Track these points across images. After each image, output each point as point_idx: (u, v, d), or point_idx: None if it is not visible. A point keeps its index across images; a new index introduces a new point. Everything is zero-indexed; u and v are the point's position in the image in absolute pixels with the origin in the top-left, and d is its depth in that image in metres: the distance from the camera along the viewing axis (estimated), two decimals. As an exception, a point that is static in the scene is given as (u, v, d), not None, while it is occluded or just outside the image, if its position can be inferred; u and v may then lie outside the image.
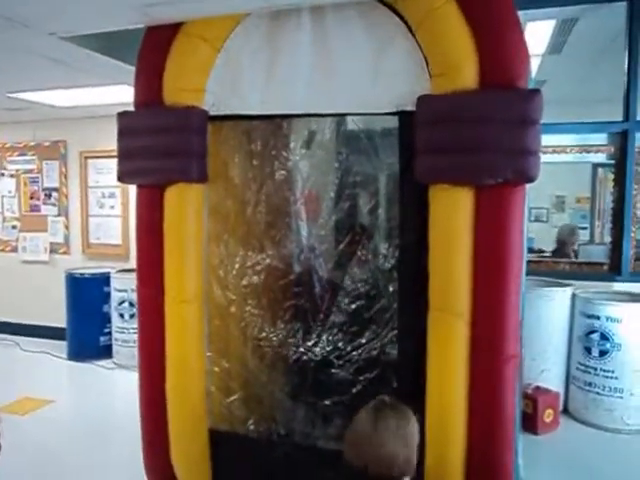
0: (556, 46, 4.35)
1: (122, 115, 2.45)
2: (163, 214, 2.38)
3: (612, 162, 5.24)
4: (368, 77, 2.17)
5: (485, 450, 2.06)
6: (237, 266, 2.66)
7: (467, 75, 1.98)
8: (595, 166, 6.20)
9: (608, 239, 4.16)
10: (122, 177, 2.50)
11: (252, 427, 2.64)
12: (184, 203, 2.37)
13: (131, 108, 2.46)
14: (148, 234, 2.43)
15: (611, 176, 6.31)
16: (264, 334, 2.68)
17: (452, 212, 2.04)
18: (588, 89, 5.24)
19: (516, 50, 1.98)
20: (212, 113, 2.37)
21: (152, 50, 2.39)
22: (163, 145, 2.33)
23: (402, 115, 2.15)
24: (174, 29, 2.33)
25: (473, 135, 1.97)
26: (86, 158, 5.55)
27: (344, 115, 2.43)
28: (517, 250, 2.03)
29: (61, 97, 4.43)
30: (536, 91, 1.96)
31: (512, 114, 1.93)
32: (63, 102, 4.64)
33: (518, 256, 2.04)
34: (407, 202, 2.22)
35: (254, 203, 2.68)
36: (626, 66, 3.78)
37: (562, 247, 5.11)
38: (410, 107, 2.08)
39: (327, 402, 2.55)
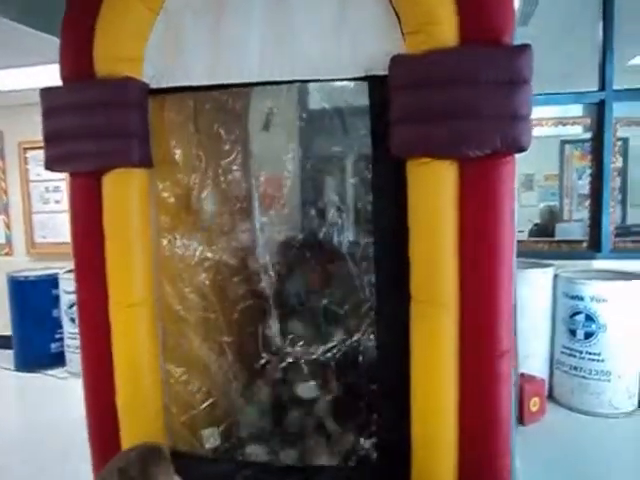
0: (523, 17, 4.14)
1: (46, 92, 2.09)
2: (102, 206, 2.05)
3: (579, 139, 5.14)
4: (331, 37, 1.88)
5: (479, 455, 1.85)
6: (191, 263, 2.35)
7: (446, 31, 1.72)
8: (563, 143, 6.13)
9: (578, 216, 4.02)
10: (51, 164, 2.14)
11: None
12: (126, 192, 2.06)
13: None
14: (85, 230, 2.11)
15: (577, 153, 6.27)
16: (224, 338, 2.38)
17: (433, 190, 1.79)
18: (558, 62, 5.09)
19: (500, 1, 1.73)
20: (153, 86, 2.06)
21: (79, 13, 2.03)
22: (97, 124, 2.00)
23: (372, 80, 1.88)
24: (104, -13, 1.99)
25: (455, 99, 1.70)
26: (25, 149, 5.11)
27: (304, 82, 2.11)
28: (508, 230, 1.79)
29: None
30: (525, 47, 1.71)
31: (499, 73, 1.67)
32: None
33: (509, 237, 1.80)
34: (381, 181, 1.95)
35: (206, 190, 2.36)
36: (601, 32, 3.60)
37: (543, 228, 5.03)
38: (382, 71, 1.81)
39: (296, 414, 2.27)
